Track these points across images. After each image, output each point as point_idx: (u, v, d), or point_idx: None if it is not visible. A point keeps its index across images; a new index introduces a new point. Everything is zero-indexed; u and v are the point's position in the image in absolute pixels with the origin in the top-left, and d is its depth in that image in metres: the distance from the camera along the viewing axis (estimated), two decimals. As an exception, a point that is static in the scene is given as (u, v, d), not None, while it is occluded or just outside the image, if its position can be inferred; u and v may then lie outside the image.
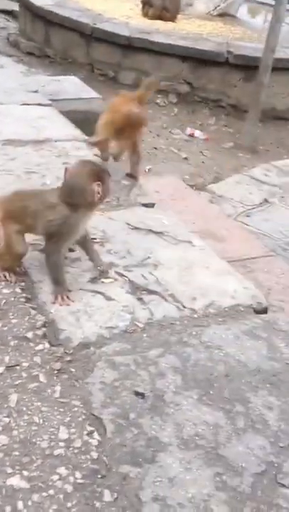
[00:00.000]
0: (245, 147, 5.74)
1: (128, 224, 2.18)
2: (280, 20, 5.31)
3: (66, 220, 1.64)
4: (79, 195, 1.64)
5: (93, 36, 6.42)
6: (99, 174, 1.67)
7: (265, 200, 3.58)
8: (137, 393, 1.36)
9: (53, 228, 1.65)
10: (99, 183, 1.64)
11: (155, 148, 5.59)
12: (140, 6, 7.24)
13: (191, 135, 6.03)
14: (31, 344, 1.48)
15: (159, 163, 5.16)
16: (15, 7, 8.54)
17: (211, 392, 1.41)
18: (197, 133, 6.06)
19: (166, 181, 3.31)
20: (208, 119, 6.34)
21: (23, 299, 1.65)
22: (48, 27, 6.78)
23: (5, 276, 1.73)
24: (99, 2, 7.36)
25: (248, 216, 3.34)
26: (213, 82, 6.28)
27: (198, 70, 6.25)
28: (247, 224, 3.18)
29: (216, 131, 6.20)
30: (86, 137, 3.02)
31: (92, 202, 1.66)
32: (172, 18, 7.06)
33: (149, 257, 1.97)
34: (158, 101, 6.44)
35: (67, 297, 1.66)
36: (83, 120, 3.79)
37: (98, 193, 1.64)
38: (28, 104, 3.27)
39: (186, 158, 5.46)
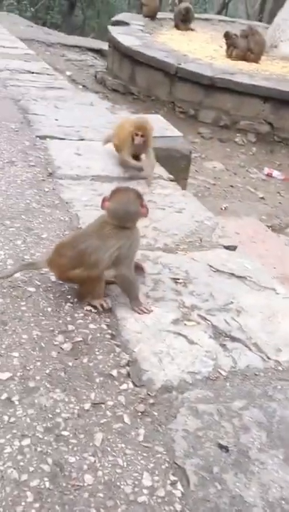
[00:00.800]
0: None
1: (210, 266, 2.18)
2: None
3: (131, 241, 1.82)
4: (134, 217, 1.84)
5: (177, 76, 6.62)
6: (141, 196, 1.89)
7: None
8: (221, 446, 1.33)
9: (124, 252, 1.79)
10: (144, 203, 1.87)
11: (232, 186, 5.60)
12: (224, 47, 7.41)
13: (269, 175, 6.01)
14: (116, 383, 1.49)
15: (235, 201, 5.15)
16: (103, 46, 9.02)
17: (298, 453, 1.35)
18: (275, 173, 6.02)
19: (246, 222, 3.29)
20: (287, 160, 6.29)
21: (108, 336, 1.68)
22: (135, 66, 7.08)
23: (101, 306, 1.81)
24: (185, 43, 7.61)
25: None
26: (294, 123, 6.25)
27: (280, 111, 6.26)
28: None
29: (295, 172, 6.12)
30: (170, 176, 3.08)
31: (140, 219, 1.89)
32: (256, 60, 7.16)
33: (232, 302, 1.95)
34: (237, 140, 6.49)
35: (145, 308, 1.82)
36: (167, 158, 3.88)
37: (146, 211, 1.86)
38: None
39: (262, 198, 5.42)
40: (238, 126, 6.51)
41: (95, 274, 1.78)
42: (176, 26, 8.36)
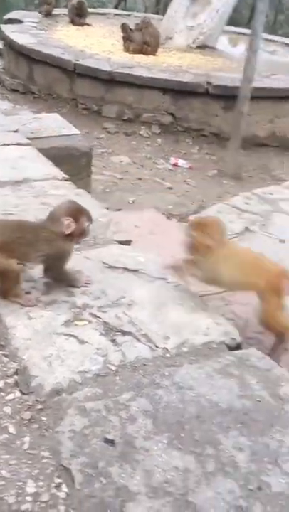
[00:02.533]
0: (229, 174, 5.84)
1: (104, 263, 2.21)
2: (255, 51, 5.48)
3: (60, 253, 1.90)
4: (55, 226, 1.87)
5: (76, 72, 6.58)
6: (74, 212, 1.91)
7: (246, 229, 3.62)
8: (107, 440, 1.36)
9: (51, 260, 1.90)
10: (69, 218, 1.87)
11: (139, 179, 5.67)
12: (121, 41, 7.46)
13: (175, 164, 6.14)
14: (2, 394, 1.48)
15: (143, 194, 5.22)
16: (0, 44, 8.74)
17: (182, 435, 1.41)
18: (181, 162, 6.17)
19: (146, 215, 3.35)
20: (191, 148, 6.46)
21: (-5, 347, 1.66)
22: (32, 64, 6.95)
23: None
24: (81, 39, 7.57)
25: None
26: (194, 112, 6.43)
27: (180, 101, 6.41)
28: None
29: (200, 160, 6.31)
30: (65, 175, 3.07)
31: (68, 235, 1.89)
32: (153, 52, 7.27)
33: (123, 297, 1.98)
34: (141, 132, 6.58)
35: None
36: (65, 157, 3.87)
37: (69, 227, 1.87)
38: (7, 145, 3.33)
39: (170, 188, 5.54)
40: (142, 119, 6.59)
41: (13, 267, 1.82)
42: (72, 22, 8.29)
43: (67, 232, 1.88)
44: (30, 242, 1.85)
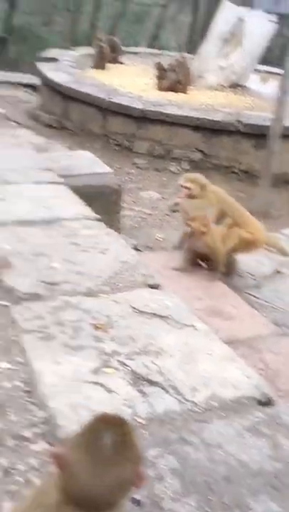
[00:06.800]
0: (259, 212, 5.81)
1: (132, 307, 2.20)
2: (286, 91, 5.53)
3: None
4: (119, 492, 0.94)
5: (109, 109, 6.74)
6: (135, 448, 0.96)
7: (276, 271, 3.58)
8: (134, 500, 1.33)
9: None
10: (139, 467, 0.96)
11: (167, 214, 5.70)
12: (154, 79, 7.63)
13: (204, 201, 6.14)
14: (29, 444, 1.47)
15: (171, 230, 5.24)
16: (36, 81, 9.05)
17: (210, 497, 1.37)
18: (210, 199, 6.17)
19: (175, 255, 3.35)
20: (221, 185, 6.47)
21: (23, 393, 1.66)
22: (67, 101, 7.15)
23: None
24: (115, 77, 7.78)
25: (257, 288, 3.32)
26: (224, 150, 6.48)
27: (211, 139, 6.47)
28: (256, 297, 3.16)
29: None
30: (96, 215, 3.10)
31: None
32: (184, 90, 7.40)
33: (151, 344, 1.97)
34: (171, 168, 6.65)
35: None
36: (96, 194, 3.94)
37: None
38: (40, 183, 3.40)
39: (198, 225, 5.53)
40: (172, 155, 6.66)
41: None
42: (102, 61, 8.48)
43: None
44: None
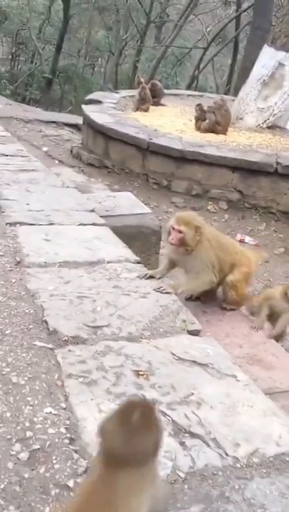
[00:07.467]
0: (296, 253, 5.78)
1: (173, 354, 2.21)
2: None
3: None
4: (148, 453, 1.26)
5: (149, 150, 6.92)
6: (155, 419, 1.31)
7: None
8: None
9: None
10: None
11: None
12: (193, 120, 7.81)
13: (242, 241, 6.17)
14: (72, 494, 1.48)
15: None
16: (79, 120, 9.41)
17: None
18: (247, 239, 6.19)
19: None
20: (258, 226, 6.49)
21: (67, 440, 1.68)
22: (108, 141, 7.39)
23: None
24: (156, 118, 8.00)
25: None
26: (262, 190, 6.53)
27: (248, 179, 6.54)
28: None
29: (267, 237, 6.31)
30: (136, 258, 3.16)
31: None
32: (223, 131, 7.54)
33: (192, 394, 1.97)
34: (209, 208, 6.72)
35: None
36: (136, 234, 4.03)
37: None
38: (84, 225, 3.50)
39: (236, 266, 5.51)
40: (210, 195, 6.76)
41: None
42: (143, 103, 8.73)
43: None
44: None
